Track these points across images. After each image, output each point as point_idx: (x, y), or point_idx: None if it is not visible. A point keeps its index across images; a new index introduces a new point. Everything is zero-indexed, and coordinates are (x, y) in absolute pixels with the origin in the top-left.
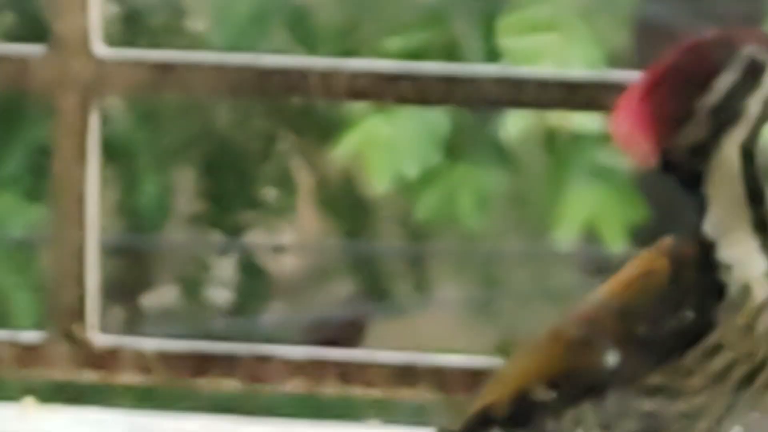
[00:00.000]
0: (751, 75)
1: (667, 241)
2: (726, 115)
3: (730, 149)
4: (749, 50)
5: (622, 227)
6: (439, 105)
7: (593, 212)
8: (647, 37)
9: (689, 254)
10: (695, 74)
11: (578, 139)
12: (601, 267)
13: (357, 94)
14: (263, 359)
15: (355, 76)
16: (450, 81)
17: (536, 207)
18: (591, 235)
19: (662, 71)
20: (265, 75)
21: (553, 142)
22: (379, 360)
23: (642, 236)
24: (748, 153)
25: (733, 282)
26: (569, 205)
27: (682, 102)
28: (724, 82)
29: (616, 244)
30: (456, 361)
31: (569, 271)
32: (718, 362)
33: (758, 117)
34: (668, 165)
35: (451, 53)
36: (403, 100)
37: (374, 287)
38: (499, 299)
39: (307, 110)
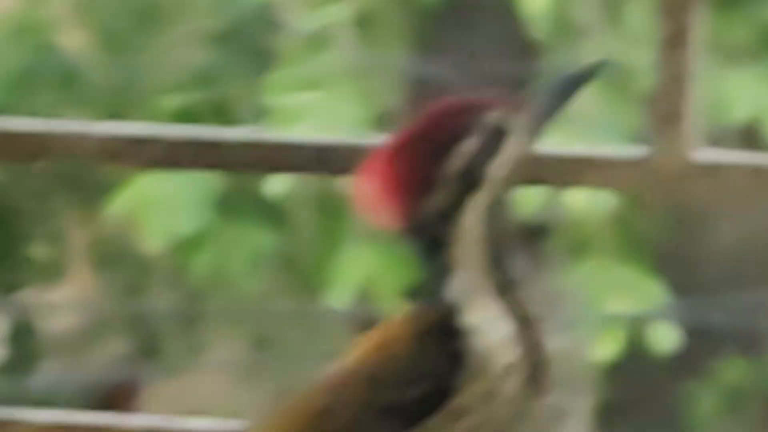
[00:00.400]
0: (493, 141)
1: (414, 306)
2: (469, 180)
3: (473, 214)
4: (491, 116)
5: (395, 287)
6: (190, 169)
7: (366, 273)
8: (421, 97)
9: (433, 320)
10: (439, 139)
11: (351, 200)
12: (373, 326)
13: (107, 157)
14: (6, 424)
15: (106, 139)
16: (201, 145)
17: (310, 267)
18: (364, 295)
19: (407, 136)
20: (15, 138)
21: (325, 202)
22: (129, 424)
23: (414, 296)
24: (492, 218)
25: (477, 347)
26: (342, 265)
27: (427, 167)
28: (467, 147)
29: (389, 303)
30: (207, 425)
31: (342, 330)
32: (462, 427)
33: (500, 182)
34: (414, 229)
35: (222, 111)
36: (155, 163)
37: (149, 347)
38: (272, 360)
39: (81, 169)
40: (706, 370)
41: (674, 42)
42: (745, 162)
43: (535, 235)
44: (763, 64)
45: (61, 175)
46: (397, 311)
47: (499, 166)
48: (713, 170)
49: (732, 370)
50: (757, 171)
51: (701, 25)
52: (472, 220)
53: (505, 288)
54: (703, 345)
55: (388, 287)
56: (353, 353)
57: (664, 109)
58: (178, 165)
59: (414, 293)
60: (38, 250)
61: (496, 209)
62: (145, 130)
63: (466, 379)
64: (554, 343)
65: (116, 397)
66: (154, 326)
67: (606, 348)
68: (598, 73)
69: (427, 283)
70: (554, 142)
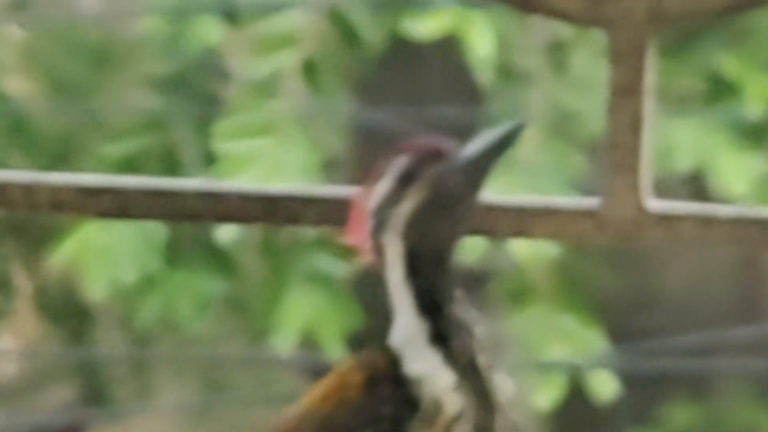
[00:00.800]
0: (401, 186)
1: (364, 353)
2: (378, 223)
3: (391, 257)
4: (401, 161)
5: (339, 333)
6: (142, 219)
7: (310, 318)
8: (367, 143)
9: (382, 367)
10: (368, 182)
11: (295, 245)
12: (320, 372)
13: (59, 208)
14: None
15: (57, 189)
16: (152, 195)
17: (256, 312)
18: (309, 341)
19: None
20: None
21: (269, 248)
22: None
23: (359, 342)
24: (422, 265)
25: (425, 395)
26: (287, 311)
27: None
28: (380, 189)
29: (333, 349)
30: None
31: (288, 375)
32: None
33: (410, 226)
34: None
35: (169, 158)
36: (105, 214)
37: (95, 393)
38: (220, 404)
39: (23, 216)
40: (653, 416)
41: (627, 90)
42: (696, 212)
43: (477, 281)
44: (708, 113)
45: (5, 222)
46: (349, 357)
47: (403, 211)
48: (666, 220)
49: (679, 415)
50: (707, 221)
51: (652, 73)
52: (392, 264)
53: (444, 337)
54: (650, 390)
55: (332, 332)
56: (305, 399)
57: (617, 158)
58: (129, 215)
59: (368, 338)
60: None
61: (426, 257)
62: (95, 180)
63: (417, 426)
64: (503, 390)
65: None
66: (100, 372)
67: (547, 395)
68: (518, 134)
69: (381, 327)
70: (497, 190)
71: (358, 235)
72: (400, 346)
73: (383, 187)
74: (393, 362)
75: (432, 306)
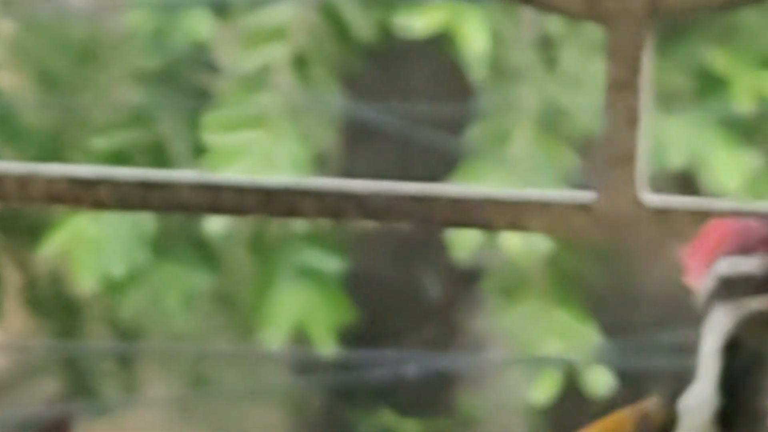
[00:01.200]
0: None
1: (648, 402)
2: (728, 295)
3: (716, 325)
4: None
5: (330, 328)
6: (137, 211)
7: (301, 313)
8: (356, 138)
9: (655, 422)
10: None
11: (285, 240)
12: (311, 367)
13: (54, 200)
14: None
15: (52, 181)
16: (148, 187)
17: (245, 307)
18: (300, 336)
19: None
20: None
21: (259, 242)
22: None
23: (350, 337)
24: (746, 349)
25: None
26: (276, 306)
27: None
28: (742, 262)
29: (324, 344)
30: None
31: (278, 371)
32: None
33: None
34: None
35: (157, 152)
36: (101, 205)
37: (82, 387)
38: (208, 399)
39: (12, 209)
40: None
41: (624, 85)
42: (692, 206)
43: (470, 277)
44: (697, 109)
45: None
46: (334, 350)
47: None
48: (662, 214)
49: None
50: (703, 215)
51: (650, 68)
52: (710, 330)
53: (726, 421)
54: (637, 386)
55: (322, 327)
56: None
57: (613, 153)
58: (125, 207)
59: (351, 332)
60: None
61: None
62: (91, 172)
63: None
64: None
65: None
66: (88, 366)
67: (541, 391)
68: None
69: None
70: (488, 186)
71: (695, 263)
72: (684, 409)
73: (748, 263)
74: (670, 421)
75: (735, 386)
